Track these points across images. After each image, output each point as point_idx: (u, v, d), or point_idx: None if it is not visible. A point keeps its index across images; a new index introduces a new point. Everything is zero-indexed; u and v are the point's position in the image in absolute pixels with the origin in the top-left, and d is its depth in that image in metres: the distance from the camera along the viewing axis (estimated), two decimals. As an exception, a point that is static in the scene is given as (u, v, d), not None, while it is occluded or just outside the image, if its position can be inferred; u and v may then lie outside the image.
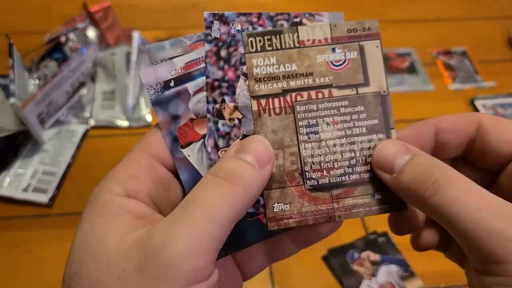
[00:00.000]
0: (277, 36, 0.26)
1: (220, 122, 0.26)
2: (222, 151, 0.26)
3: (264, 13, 0.27)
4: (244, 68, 0.26)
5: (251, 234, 0.26)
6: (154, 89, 0.26)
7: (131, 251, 0.20)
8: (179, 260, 0.19)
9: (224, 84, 0.26)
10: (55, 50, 0.72)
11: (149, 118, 0.71)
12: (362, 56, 0.26)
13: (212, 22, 0.26)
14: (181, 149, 0.26)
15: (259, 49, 0.26)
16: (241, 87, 0.26)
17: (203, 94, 0.26)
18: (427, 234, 0.29)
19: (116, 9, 0.79)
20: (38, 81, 0.69)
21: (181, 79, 0.26)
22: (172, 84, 0.26)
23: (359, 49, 0.26)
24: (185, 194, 0.26)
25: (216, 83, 0.26)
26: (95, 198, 0.23)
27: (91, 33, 0.76)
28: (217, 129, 0.26)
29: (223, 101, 0.26)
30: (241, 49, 0.26)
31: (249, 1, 0.94)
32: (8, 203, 0.60)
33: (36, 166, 0.63)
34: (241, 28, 0.26)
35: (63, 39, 0.73)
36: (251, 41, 0.26)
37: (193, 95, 0.26)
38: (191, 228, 0.20)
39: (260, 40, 0.26)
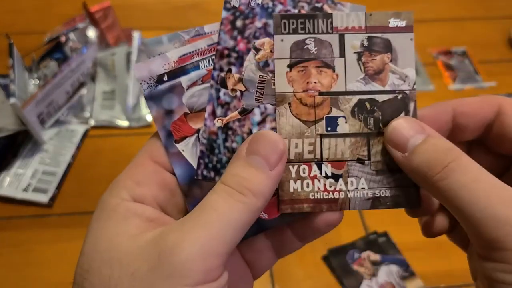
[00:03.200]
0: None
1: (222, 91, 0.26)
2: (218, 119, 0.26)
3: None
4: (257, 42, 0.26)
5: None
6: (148, 83, 0.26)
7: (145, 250, 0.21)
8: (192, 260, 0.20)
9: (234, 54, 0.26)
10: (55, 50, 0.72)
11: (149, 118, 0.71)
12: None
13: None
14: (175, 144, 0.26)
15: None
16: (250, 60, 0.26)
17: (197, 88, 0.26)
18: (440, 219, 0.29)
19: (116, 9, 0.79)
20: (38, 81, 0.69)
21: (174, 73, 0.26)
22: (165, 78, 0.26)
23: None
24: (181, 189, 0.26)
25: (226, 52, 0.26)
26: (103, 204, 0.24)
27: (91, 33, 0.76)
28: (218, 97, 0.26)
29: (229, 70, 0.26)
30: (258, 23, 0.26)
31: (249, 1, 0.94)
32: (8, 203, 0.60)
33: (36, 166, 0.63)
34: (261, 2, 0.26)
35: (63, 39, 0.73)
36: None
37: (186, 89, 0.26)
38: (206, 230, 0.21)
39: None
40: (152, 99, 0.26)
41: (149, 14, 0.90)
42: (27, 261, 0.55)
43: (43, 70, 0.69)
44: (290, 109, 0.26)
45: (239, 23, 0.26)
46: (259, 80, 0.26)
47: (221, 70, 0.26)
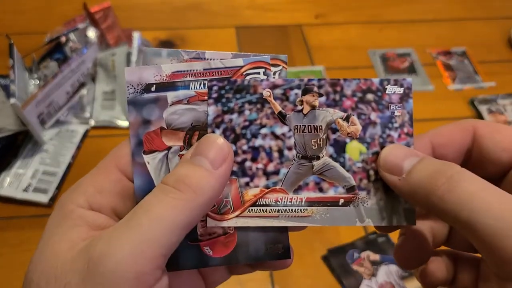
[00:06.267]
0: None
1: None
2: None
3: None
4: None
5: (185, 259, 0.25)
6: (134, 88, 0.26)
7: (77, 261, 0.20)
8: (120, 266, 0.19)
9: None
10: (56, 51, 0.73)
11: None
12: None
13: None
14: (143, 155, 0.26)
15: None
16: None
17: (181, 107, 0.26)
18: (436, 267, 0.28)
19: (116, 9, 0.79)
20: (39, 82, 0.69)
21: (163, 86, 0.26)
22: (153, 89, 0.26)
23: None
24: (136, 200, 0.25)
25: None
26: (59, 208, 0.23)
27: (91, 33, 0.76)
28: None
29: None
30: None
31: (250, 2, 0.94)
32: (8, 203, 0.60)
33: (37, 166, 0.63)
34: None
35: (63, 39, 0.73)
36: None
37: (170, 105, 0.26)
38: (135, 233, 0.20)
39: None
40: (134, 104, 0.26)
41: (149, 14, 0.90)
42: (27, 261, 0.55)
43: (43, 70, 0.70)
44: None
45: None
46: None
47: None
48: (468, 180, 0.21)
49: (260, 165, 0.26)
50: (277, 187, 0.26)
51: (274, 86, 0.26)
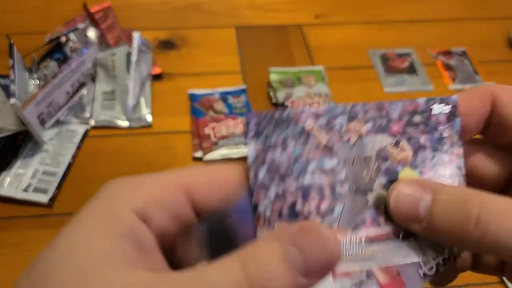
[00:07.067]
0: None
1: None
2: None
3: None
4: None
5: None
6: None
7: None
8: None
9: None
10: (56, 51, 0.73)
11: (149, 118, 0.71)
12: None
13: None
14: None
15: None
16: None
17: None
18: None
19: (116, 9, 0.79)
20: (39, 82, 0.69)
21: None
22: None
23: None
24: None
25: None
26: (108, 199, 0.19)
27: (91, 33, 0.76)
28: None
29: None
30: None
31: (250, 2, 0.94)
32: (8, 203, 0.60)
33: (37, 166, 0.63)
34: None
35: (63, 39, 0.73)
36: None
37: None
38: None
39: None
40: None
41: (149, 14, 0.90)
42: (27, 261, 0.55)
43: (43, 70, 0.70)
44: None
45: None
46: None
47: None
48: (497, 218, 0.20)
49: (312, 206, 0.23)
50: (335, 227, 0.23)
51: (316, 116, 0.23)
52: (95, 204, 0.19)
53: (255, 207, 0.22)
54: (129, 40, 0.76)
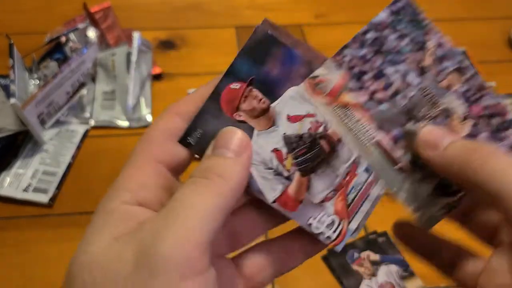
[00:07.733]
0: None
1: None
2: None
3: None
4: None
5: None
6: None
7: (123, 252, 0.21)
8: (170, 252, 0.20)
9: None
10: (56, 51, 0.73)
11: (149, 118, 0.71)
12: None
13: None
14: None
15: None
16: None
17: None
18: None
19: (116, 9, 0.79)
20: (39, 82, 0.69)
21: None
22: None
23: None
24: None
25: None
26: (101, 210, 0.23)
27: (91, 33, 0.76)
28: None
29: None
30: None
31: (250, 2, 0.94)
32: (8, 203, 0.60)
33: (37, 166, 0.63)
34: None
35: (63, 39, 0.73)
36: None
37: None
38: (177, 223, 0.21)
39: None
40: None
41: (149, 14, 0.90)
42: (27, 261, 0.55)
43: (43, 70, 0.70)
44: None
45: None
46: None
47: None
48: (500, 157, 0.23)
49: (374, 87, 0.26)
50: (369, 114, 0.26)
51: (439, 45, 0.27)
52: (95, 220, 0.23)
53: (344, 47, 0.27)
54: (129, 40, 0.77)
